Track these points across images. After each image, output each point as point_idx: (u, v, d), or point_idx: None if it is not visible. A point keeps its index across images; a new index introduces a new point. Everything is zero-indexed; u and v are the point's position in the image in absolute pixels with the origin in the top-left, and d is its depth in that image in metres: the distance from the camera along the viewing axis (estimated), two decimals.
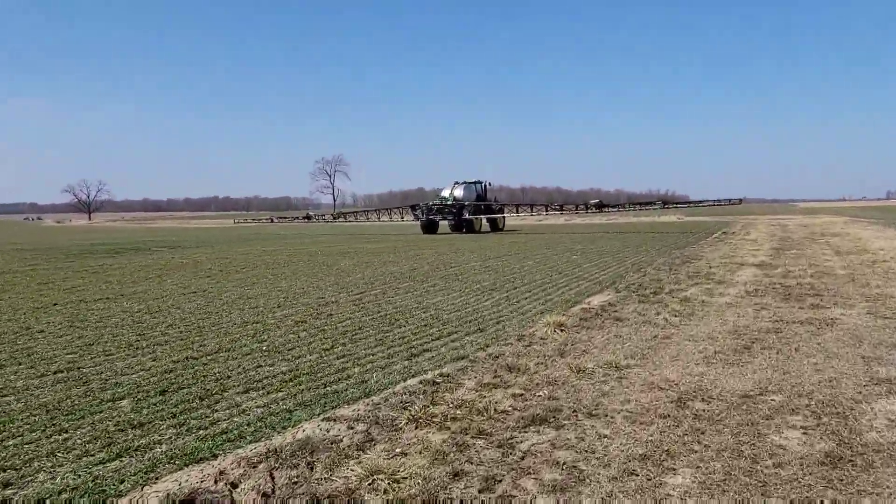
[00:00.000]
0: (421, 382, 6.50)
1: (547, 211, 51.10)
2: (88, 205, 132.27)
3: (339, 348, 8.16)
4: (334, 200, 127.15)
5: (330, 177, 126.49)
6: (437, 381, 6.56)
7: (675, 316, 10.00)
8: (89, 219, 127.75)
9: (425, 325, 9.58)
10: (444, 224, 42.72)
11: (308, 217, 59.47)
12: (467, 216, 41.55)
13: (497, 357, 7.53)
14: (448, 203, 42.31)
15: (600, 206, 45.14)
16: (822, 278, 14.20)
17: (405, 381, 6.60)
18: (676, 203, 51.69)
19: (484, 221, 44.31)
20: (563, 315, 10.00)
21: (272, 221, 63.37)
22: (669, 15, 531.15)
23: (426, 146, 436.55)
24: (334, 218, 57.33)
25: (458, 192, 42.81)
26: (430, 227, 42.08)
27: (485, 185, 45.14)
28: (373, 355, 7.75)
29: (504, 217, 46.97)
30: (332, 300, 12.19)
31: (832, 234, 29.10)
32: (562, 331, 8.85)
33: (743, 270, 16.39)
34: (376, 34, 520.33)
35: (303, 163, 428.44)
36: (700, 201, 51.94)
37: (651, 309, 10.72)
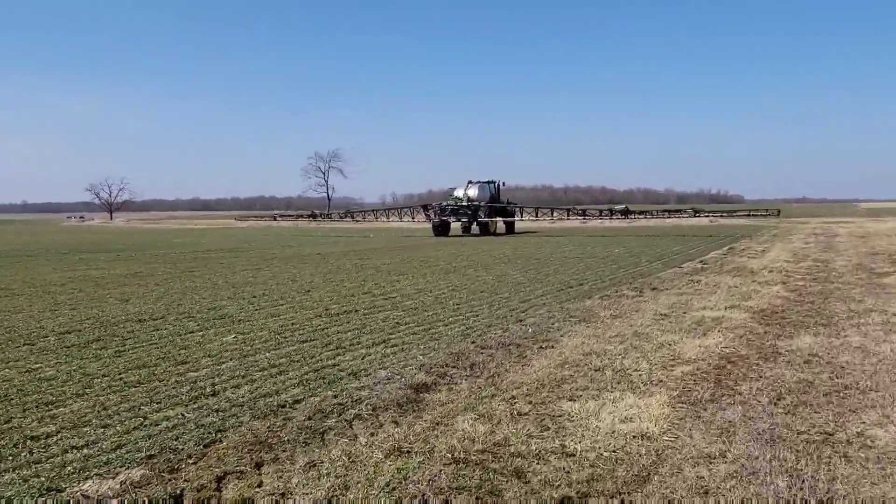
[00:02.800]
0: None
1: (569, 215, 47.87)
2: (110, 204, 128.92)
3: None
4: (328, 199, 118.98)
5: (324, 174, 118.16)
6: None
7: None
8: (111, 218, 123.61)
9: None
10: (455, 226, 40.44)
11: (313, 216, 52.94)
12: (483, 217, 39.56)
13: None
14: (463, 203, 39.66)
15: (626, 213, 45.06)
16: None
17: None
18: (707, 211, 48.21)
19: (500, 223, 42.08)
20: None
21: (276, 220, 59.22)
22: (726, 11, 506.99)
23: (462, 145, 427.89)
24: (341, 217, 53.82)
25: (473, 192, 40.23)
26: (442, 229, 38.91)
27: (498, 185, 42.34)
28: None
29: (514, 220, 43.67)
30: None
31: None
32: None
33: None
34: (405, 31, 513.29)
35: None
36: (733, 210, 50.53)
37: None
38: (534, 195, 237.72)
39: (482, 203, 40.41)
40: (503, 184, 43.00)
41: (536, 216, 45.61)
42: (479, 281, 14.64)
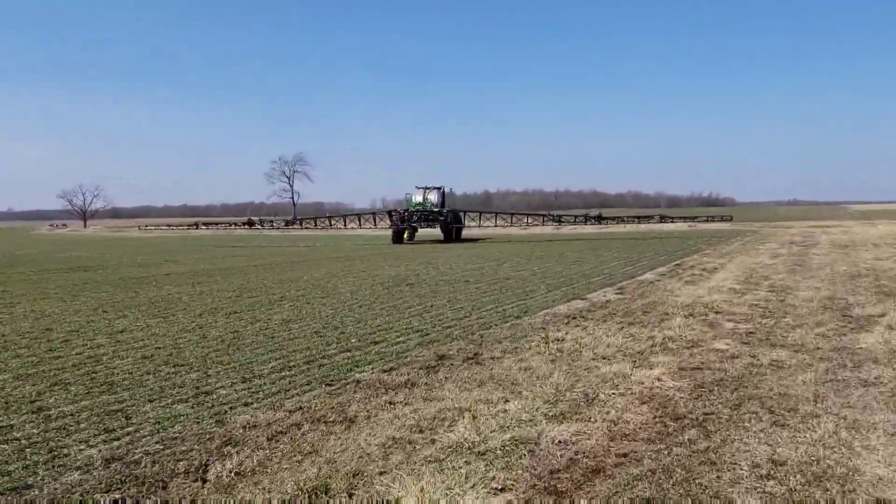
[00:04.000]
0: None
1: (527, 221, 47.98)
2: (84, 211, 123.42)
3: None
4: (294, 205, 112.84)
5: (289, 179, 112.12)
6: None
7: None
8: (84, 225, 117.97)
9: None
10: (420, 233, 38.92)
11: (250, 223, 45.95)
12: (454, 223, 38.76)
13: None
14: (431, 209, 38.61)
15: (600, 218, 46.98)
16: None
17: None
18: (672, 217, 53.46)
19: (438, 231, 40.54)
20: None
21: (197, 227, 51.86)
22: (718, 13, 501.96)
23: (451, 149, 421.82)
24: (287, 224, 47.26)
25: (433, 197, 39.37)
26: (400, 236, 37.46)
27: (443, 191, 41.46)
28: None
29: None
30: None
31: None
32: None
33: None
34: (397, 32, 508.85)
35: (353, 169, 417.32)
36: (695, 217, 55.20)
37: None
38: (525, 199, 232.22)
39: (448, 209, 39.66)
40: (450, 190, 43.14)
41: (478, 222, 45.46)
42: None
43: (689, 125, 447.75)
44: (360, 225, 44.89)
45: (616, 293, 13.01)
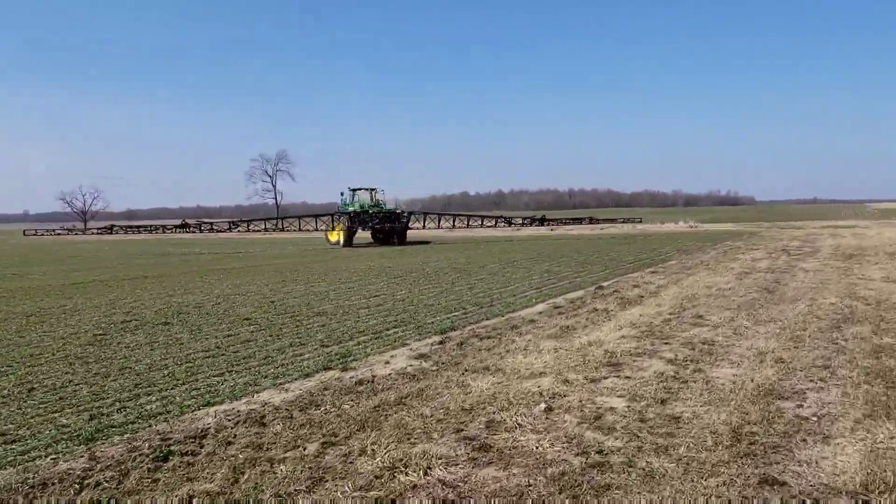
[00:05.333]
0: None
1: (480, 223, 46.54)
2: (84, 213, 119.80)
3: None
4: (277, 205, 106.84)
5: (271, 178, 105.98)
6: None
7: None
8: (85, 226, 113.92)
9: None
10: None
11: (184, 225, 39.60)
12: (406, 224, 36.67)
13: None
14: (382, 210, 35.92)
15: (543, 220, 48.87)
16: None
17: None
18: (600, 220, 53.88)
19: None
20: None
21: (111, 231, 44.33)
22: (731, 10, 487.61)
23: (462, 149, 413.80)
24: (230, 227, 39.99)
25: (382, 197, 37.06)
26: (352, 239, 34.30)
27: (372, 193, 38.45)
28: None
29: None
30: None
31: None
32: None
33: None
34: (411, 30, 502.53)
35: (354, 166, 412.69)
36: (614, 219, 56.13)
37: None
38: (537, 198, 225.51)
39: (403, 210, 37.65)
40: (382, 192, 38.28)
41: (424, 224, 42.82)
42: None
43: (706, 124, 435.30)
44: (316, 227, 39.43)
45: (420, 359, 7.21)
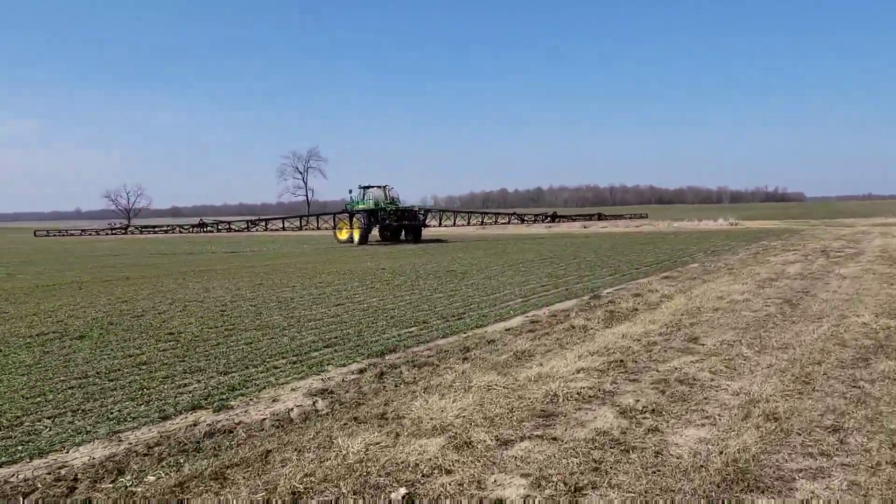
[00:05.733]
0: None
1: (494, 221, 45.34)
2: (128, 210, 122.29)
3: None
4: (308, 202, 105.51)
5: (302, 175, 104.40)
6: None
7: None
8: (128, 223, 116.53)
9: None
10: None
11: (202, 225, 38.74)
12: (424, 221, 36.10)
13: None
14: (401, 207, 34.84)
15: (554, 217, 46.66)
16: None
17: None
18: (608, 216, 51.73)
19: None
20: None
21: (125, 231, 42.98)
22: (784, 8, 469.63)
23: (499, 146, 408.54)
24: (248, 227, 39.33)
25: (396, 195, 36.03)
26: (366, 237, 33.11)
27: (386, 190, 37.83)
28: None
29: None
30: None
31: None
32: None
33: None
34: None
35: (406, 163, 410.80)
36: (621, 215, 54.81)
37: None
38: (578, 195, 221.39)
39: (420, 207, 37.08)
40: (392, 189, 37.19)
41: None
42: None
43: (756, 118, 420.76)
44: (333, 225, 38.28)
45: (316, 398, 5.72)
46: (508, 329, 8.78)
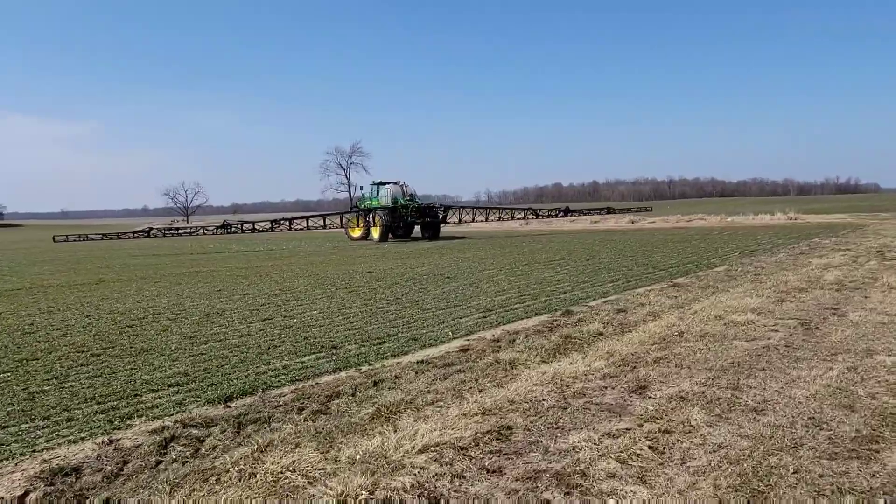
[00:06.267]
0: None
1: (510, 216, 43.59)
2: (186, 208, 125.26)
3: None
4: (351, 199, 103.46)
5: (345, 171, 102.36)
6: None
7: None
8: (187, 221, 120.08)
9: None
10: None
11: (227, 226, 37.76)
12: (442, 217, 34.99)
13: None
14: (420, 204, 33.72)
15: (567, 212, 44.79)
16: None
17: None
18: (616, 210, 48.34)
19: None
20: None
21: (148, 234, 39.03)
22: None
23: (555, 141, 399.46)
24: (272, 226, 37.99)
25: (412, 191, 35.03)
26: (386, 235, 32.32)
27: (404, 187, 37.11)
28: None
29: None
30: None
31: None
32: None
33: None
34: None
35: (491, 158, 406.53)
36: (629, 208, 51.70)
37: None
38: (634, 188, 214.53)
39: (436, 204, 35.70)
40: (407, 185, 35.93)
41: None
42: None
43: (825, 107, 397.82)
44: (357, 223, 36.95)
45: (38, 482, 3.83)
46: (425, 361, 6.83)
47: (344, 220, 35.56)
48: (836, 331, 7.27)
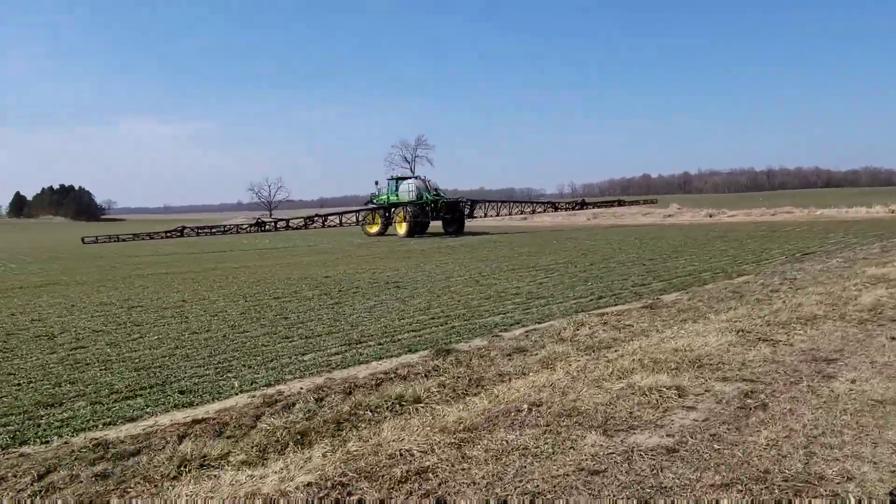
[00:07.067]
0: None
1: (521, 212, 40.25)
2: (269, 202, 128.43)
3: None
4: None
5: (410, 164, 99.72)
6: None
7: None
8: (270, 215, 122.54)
9: None
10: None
11: (261, 224, 36.35)
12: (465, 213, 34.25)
13: None
14: (447, 200, 33.18)
15: (583, 205, 41.89)
16: None
17: None
18: (626, 202, 44.71)
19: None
20: None
21: (181, 233, 35.04)
22: None
23: (641, 130, 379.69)
24: (306, 224, 35.20)
25: (434, 185, 34.31)
26: (413, 230, 31.73)
27: (427, 182, 36.01)
28: None
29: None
30: None
31: None
32: None
33: None
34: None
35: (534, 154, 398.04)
36: (637, 200, 47.45)
37: None
38: (731, 179, 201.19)
39: (462, 199, 35.17)
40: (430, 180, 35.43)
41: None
42: None
43: None
44: (357, 221, 35.73)
45: None
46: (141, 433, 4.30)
47: (360, 216, 33.80)
48: (785, 417, 4.09)
